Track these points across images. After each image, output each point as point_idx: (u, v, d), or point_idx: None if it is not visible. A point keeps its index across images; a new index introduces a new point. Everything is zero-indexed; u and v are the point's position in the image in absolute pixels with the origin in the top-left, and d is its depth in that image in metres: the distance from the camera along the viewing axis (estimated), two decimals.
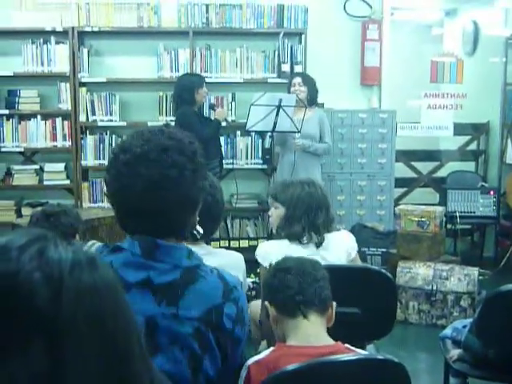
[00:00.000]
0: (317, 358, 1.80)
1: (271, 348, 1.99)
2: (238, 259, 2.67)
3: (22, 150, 6.11)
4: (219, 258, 2.54)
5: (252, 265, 3.33)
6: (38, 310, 0.72)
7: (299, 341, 1.95)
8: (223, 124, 5.68)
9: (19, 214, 6.07)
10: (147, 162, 1.53)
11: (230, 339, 1.58)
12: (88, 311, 0.76)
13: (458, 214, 6.17)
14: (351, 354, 1.86)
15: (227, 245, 6.15)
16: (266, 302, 2.06)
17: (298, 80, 5.59)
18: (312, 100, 5.60)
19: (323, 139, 5.58)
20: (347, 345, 1.94)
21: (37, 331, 0.72)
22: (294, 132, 5.35)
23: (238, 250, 3.64)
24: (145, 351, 0.86)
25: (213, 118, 5.68)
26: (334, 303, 2.02)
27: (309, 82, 5.61)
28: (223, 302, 1.57)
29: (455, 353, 3.16)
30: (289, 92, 5.60)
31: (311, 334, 1.96)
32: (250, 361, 1.92)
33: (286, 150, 5.57)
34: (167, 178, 1.53)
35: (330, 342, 1.93)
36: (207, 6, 6.09)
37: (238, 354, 1.66)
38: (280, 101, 5.21)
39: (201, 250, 2.48)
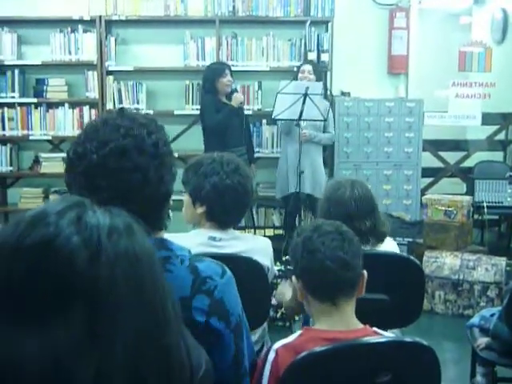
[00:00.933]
0: (345, 341, 1.79)
1: (298, 331, 1.98)
2: (265, 244, 2.66)
3: (50, 138, 6.17)
4: (246, 243, 2.55)
5: (278, 253, 3.33)
6: (78, 272, 0.73)
7: (327, 324, 1.92)
8: (244, 108, 5.66)
9: (47, 202, 6.13)
10: (106, 172, 1.40)
11: (206, 333, 1.47)
12: (126, 273, 0.77)
13: (485, 204, 6.10)
14: (380, 336, 1.85)
15: (253, 233, 6.16)
16: (294, 277, 2.00)
17: (308, 68, 5.59)
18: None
19: (327, 129, 5.65)
20: (375, 328, 1.93)
21: (77, 293, 0.73)
22: (321, 120, 5.34)
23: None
24: (179, 319, 0.87)
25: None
26: (365, 274, 1.96)
27: (318, 72, 5.62)
28: (192, 295, 1.48)
29: (483, 341, 3.14)
30: (296, 78, 5.57)
31: (339, 318, 1.93)
32: (278, 344, 1.91)
33: (291, 138, 5.58)
34: (130, 185, 1.41)
35: (359, 325, 1.92)
36: None
37: (226, 344, 1.54)
38: (307, 89, 5.19)
39: (227, 235, 2.51)
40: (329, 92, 5.73)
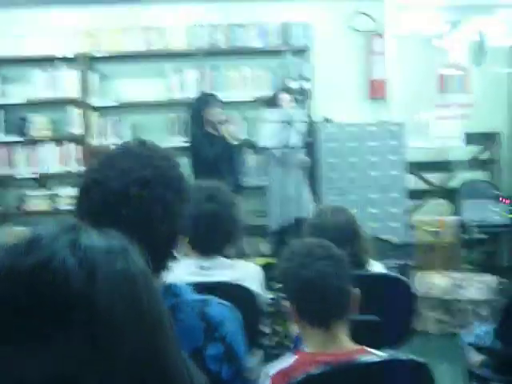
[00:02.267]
0: (341, 362, 1.79)
1: (293, 356, 1.97)
2: (256, 271, 2.66)
3: (35, 176, 6.16)
4: (236, 271, 2.55)
5: (270, 281, 3.31)
6: (75, 292, 0.74)
7: (320, 347, 1.92)
8: (233, 142, 5.69)
9: None
10: (127, 200, 1.33)
11: (217, 381, 1.44)
12: (123, 293, 0.77)
13: (472, 224, 6.14)
14: (375, 356, 1.85)
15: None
16: (286, 302, 2.00)
17: (288, 96, 5.63)
18: None
19: None
20: (369, 349, 1.93)
21: (75, 315, 0.73)
22: (302, 148, 5.40)
23: None
24: (177, 344, 0.87)
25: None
26: (357, 292, 1.95)
27: (297, 98, 5.72)
28: (204, 344, 1.45)
29: (478, 359, 3.14)
30: (274, 106, 5.60)
31: (332, 340, 1.92)
32: (272, 370, 1.90)
33: (289, 165, 5.59)
34: (150, 217, 1.35)
35: (353, 346, 1.92)
36: (214, 26, 6.17)
37: None
38: (289, 116, 5.24)
39: (216, 264, 2.50)
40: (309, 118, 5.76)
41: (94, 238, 0.81)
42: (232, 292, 2.37)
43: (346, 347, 1.90)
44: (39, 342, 0.72)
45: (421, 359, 1.77)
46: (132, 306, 0.78)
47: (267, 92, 6.22)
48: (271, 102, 5.69)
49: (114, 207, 1.33)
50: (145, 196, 1.34)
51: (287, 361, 1.93)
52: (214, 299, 1.55)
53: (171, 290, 1.45)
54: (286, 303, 2.01)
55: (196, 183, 2.53)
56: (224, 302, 1.57)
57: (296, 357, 1.95)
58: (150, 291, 0.82)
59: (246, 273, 2.56)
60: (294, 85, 6.20)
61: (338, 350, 1.89)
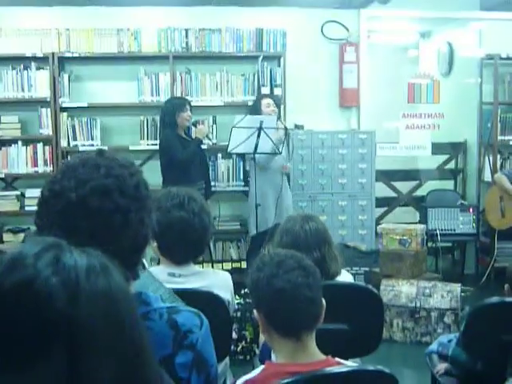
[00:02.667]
0: (309, 372, 1.81)
1: (261, 366, 1.97)
2: (225, 278, 2.67)
3: (3, 175, 6.09)
4: (206, 278, 2.55)
5: (237, 286, 3.33)
6: (57, 313, 0.74)
7: (289, 358, 1.92)
8: (206, 142, 5.71)
9: (0, 240, 6.03)
10: (86, 212, 1.31)
11: None
12: (105, 312, 0.78)
13: (438, 232, 6.24)
14: (342, 366, 1.87)
15: (211, 267, 6.15)
16: (255, 311, 1.98)
17: (271, 101, 5.66)
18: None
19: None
20: (337, 358, 1.95)
21: (57, 334, 0.73)
22: (275, 154, 5.40)
23: None
24: (154, 359, 0.88)
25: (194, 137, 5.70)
26: (324, 303, 1.96)
27: (278, 104, 5.72)
28: (174, 351, 1.44)
29: (442, 367, 3.18)
30: (258, 111, 5.63)
31: (302, 352, 1.92)
32: (241, 380, 1.91)
33: (269, 172, 5.60)
34: (111, 226, 1.33)
35: (321, 356, 1.93)
36: (187, 30, 6.17)
37: None
38: (261, 123, 5.26)
39: (186, 271, 2.50)
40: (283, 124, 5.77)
41: (76, 257, 0.81)
42: (202, 299, 2.38)
43: (315, 357, 1.91)
44: (18, 368, 0.72)
45: (388, 370, 1.79)
46: (114, 325, 0.78)
47: (239, 97, 6.25)
48: (253, 107, 5.72)
49: (73, 218, 1.31)
50: (104, 206, 1.32)
51: (256, 371, 1.94)
52: (182, 306, 1.55)
53: (141, 298, 1.44)
54: (256, 312, 2.01)
55: (166, 190, 2.51)
56: (192, 308, 1.56)
57: (264, 367, 1.95)
58: (131, 309, 0.83)
59: (216, 280, 2.57)
60: (265, 90, 6.23)
61: (307, 361, 1.90)
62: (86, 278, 0.78)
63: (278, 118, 5.67)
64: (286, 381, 1.76)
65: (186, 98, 5.92)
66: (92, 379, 0.75)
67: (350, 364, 1.95)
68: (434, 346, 3.42)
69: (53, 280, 0.76)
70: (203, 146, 5.82)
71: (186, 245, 2.46)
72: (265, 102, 5.68)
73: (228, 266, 6.32)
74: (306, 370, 1.84)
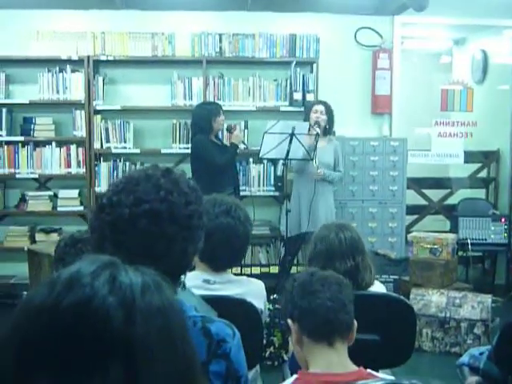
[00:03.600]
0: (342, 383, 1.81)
1: (294, 376, 1.98)
2: (260, 287, 2.67)
3: (37, 176, 6.17)
4: (240, 286, 2.56)
5: (267, 292, 3.33)
6: (114, 332, 0.75)
7: (323, 368, 1.93)
8: (241, 147, 5.74)
9: (33, 240, 6.12)
10: (133, 230, 1.36)
11: None
12: (159, 329, 0.79)
13: (469, 242, 6.18)
14: (376, 379, 1.87)
15: (239, 272, 6.16)
16: (289, 320, 2.02)
17: (321, 108, 5.65)
18: (329, 129, 5.71)
19: (337, 167, 5.69)
20: (369, 370, 1.95)
21: (114, 352, 0.75)
22: (308, 160, 5.40)
23: (250, 276, 3.64)
24: (201, 369, 0.89)
25: (229, 143, 5.73)
26: (355, 323, 2.02)
27: (329, 112, 5.70)
28: (208, 359, 1.46)
29: (473, 380, 3.15)
30: (307, 118, 5.65)
31: (335, 360, 1.93)
32: None
33: (303, 177, 5.61)
34: (153, 251, 1.37)
35: (353, 368, 1.93)
36: (220, 35, 6.20)
37: None
38: (293, 129, 5.26)
39: (221, 278, 2.52)
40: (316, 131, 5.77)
41: (131, 275, 0.83)
42: (236, 306, 2.39)
43: (347, 368, 1.92)
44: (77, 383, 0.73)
45: None
46: (168, 341, 0.80)
47: (271, 102, 6.26)
48: (305, 112, 5.74)
49: (121, 233, 1.35)
50: (150, 230, 1.36)
51: (289, 381, 1.95)
52: (214, 317, 1.58)
53: None
54: (290, 322, 2.03)
55: (212, 197, 2.53)
56: (224, 320, 1.58)
57: (297, 376, 1.97)
58: (182, 324, 0.85)
59: (251, 289, 2.57)
60: (297, 96, 6.23)
61: (340, 370, 1.91)
62: (142, 297, 0.80)
63: (328, 126, 5.69)
64: None
65: (218, 102, 5.95)
66: None
67: (383, 376, 1.94)
68: (465, 358, 3.38)
69: (110, 299, 0.77)
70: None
71: (228, 251, 2.48)
72: (314, 108, 5.67)
73: (257, 270, 6.32)
74: (339, 380, 1.84)
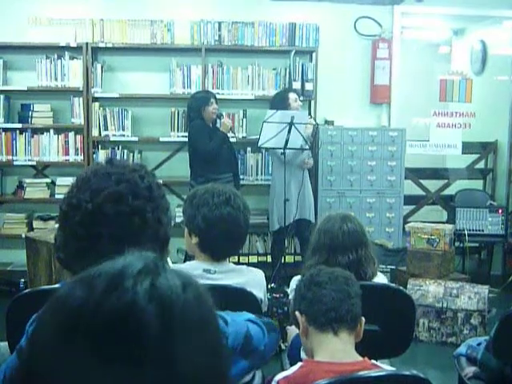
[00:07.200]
0: (345, 374, 1.82)
1: (299, 363, 2.00)
2: (260, 276, 2.67)
3: (34, 163, 6.16)
4: (241, 276, 2.56)
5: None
6: (151, 340, 0.74)
7: (327, 357, 1.96)
8: (229, 135, 5.67)
9: (30, 227, 6.12)
10: (104, 219, 1.39)
11: None
12: (197, 336, 0.78)
13: (466, 232, 6.20)
14: (379, 369, 1.88)
15: (236, 260, 6.17)
16: (297, 312, 2.07)
17: (295, 96, 5.65)
18: None
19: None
20: (373, 361, 1.97)
21: (149, 360, 0.74)
22: (306, 149, 5.40)
23: (248, 265, 3.65)
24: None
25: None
26: (363, 319, 2.05)
27: (300, 100, 5.72)
28: None
29: (470, 370, 3.17)
30: (285, 107, 5.57)
31: (340, 350, 1.97)
32: (279, 376, 1.94)
33: (293, 166, 5.60)
34: (130, 229, 1.40)
35: (358, 358, 1.96)
36: (220, 23, 6.18)
37: None
38: (292, 118, 5.25)
39: (222, 268, 2.52)
40: (313, 120, 5.76)
41: (170, 280, 0.81)
42: (236, 296, 2.40)
43: (352, 359, 1.95)
44: None
45: (422, 375, 1.80)
46: (204, 354, 0.79)
47: (270, 91, 6.24)
48: (280, 102, 5.64)
49: (93, 227, 1.38)
50: (120, 210, 1.40)
51: (293, 368, 1.97)
52: None
53: None
54: (297, 314, 2.07)
55: (208, 187, 2.54)
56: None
57: (302, 364, 1.99)
58: (218, 337, 0.84)
59: (251, 278, 2.58)
60: (296, 85, 6.22)
61: (344, 359, 1.94)
62: (181, 308, 0.78)
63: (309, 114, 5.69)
64: (323, 381, 1.78)
65: (211, 91, 5.92)
66: None
67: (386, 367, 1.96)
68: (462, 349, 3.40)
69: (149, 308, 0.76)
70: (232, 140, 5.83)
71: (230, 241, 2.50)
72: (292, 96, 5.66)
73: (254, 259, 6.34)
74: (343, 370, 1.86)
